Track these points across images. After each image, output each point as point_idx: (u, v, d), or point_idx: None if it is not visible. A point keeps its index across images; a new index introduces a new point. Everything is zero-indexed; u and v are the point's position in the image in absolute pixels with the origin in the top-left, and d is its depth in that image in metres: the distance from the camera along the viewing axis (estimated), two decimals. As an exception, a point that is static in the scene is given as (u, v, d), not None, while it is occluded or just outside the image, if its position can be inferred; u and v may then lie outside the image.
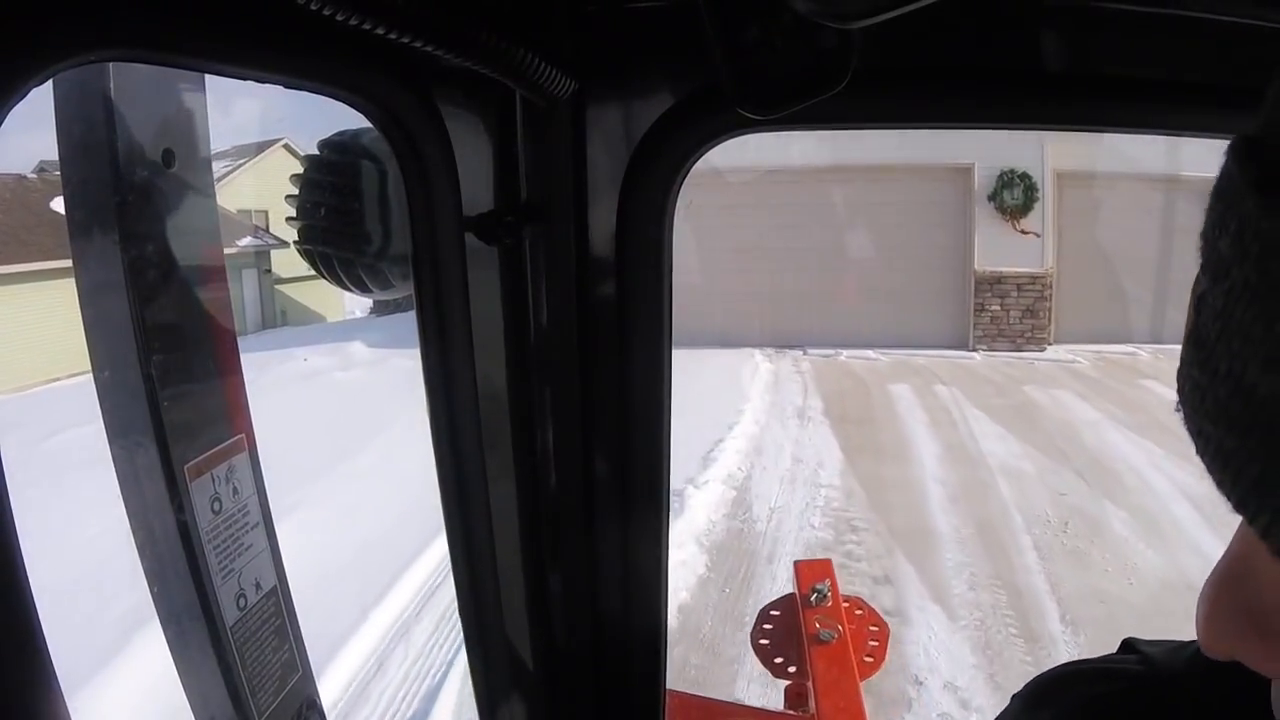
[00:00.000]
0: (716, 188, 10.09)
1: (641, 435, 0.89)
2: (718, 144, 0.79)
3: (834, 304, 11.97)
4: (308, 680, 0.85)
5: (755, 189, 10.95)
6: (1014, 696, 0.56)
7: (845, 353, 11.71)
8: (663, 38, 0.77)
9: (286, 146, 19.01)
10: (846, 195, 11.77)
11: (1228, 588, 0.29)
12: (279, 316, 19.26)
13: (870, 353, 11.66)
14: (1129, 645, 0.54)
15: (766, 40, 0.61)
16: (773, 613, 2.40)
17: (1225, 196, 0.28)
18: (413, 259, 0.77)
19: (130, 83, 0.62)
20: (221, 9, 0.50)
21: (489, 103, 0.80)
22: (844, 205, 11.87)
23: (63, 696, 0.42)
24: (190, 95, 0.68)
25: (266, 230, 17.60)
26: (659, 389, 0.88)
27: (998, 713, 0.57)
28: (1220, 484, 0.26)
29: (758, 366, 10.97)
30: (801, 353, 11.94)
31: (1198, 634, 0.30)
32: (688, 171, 0.81)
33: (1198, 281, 0.28)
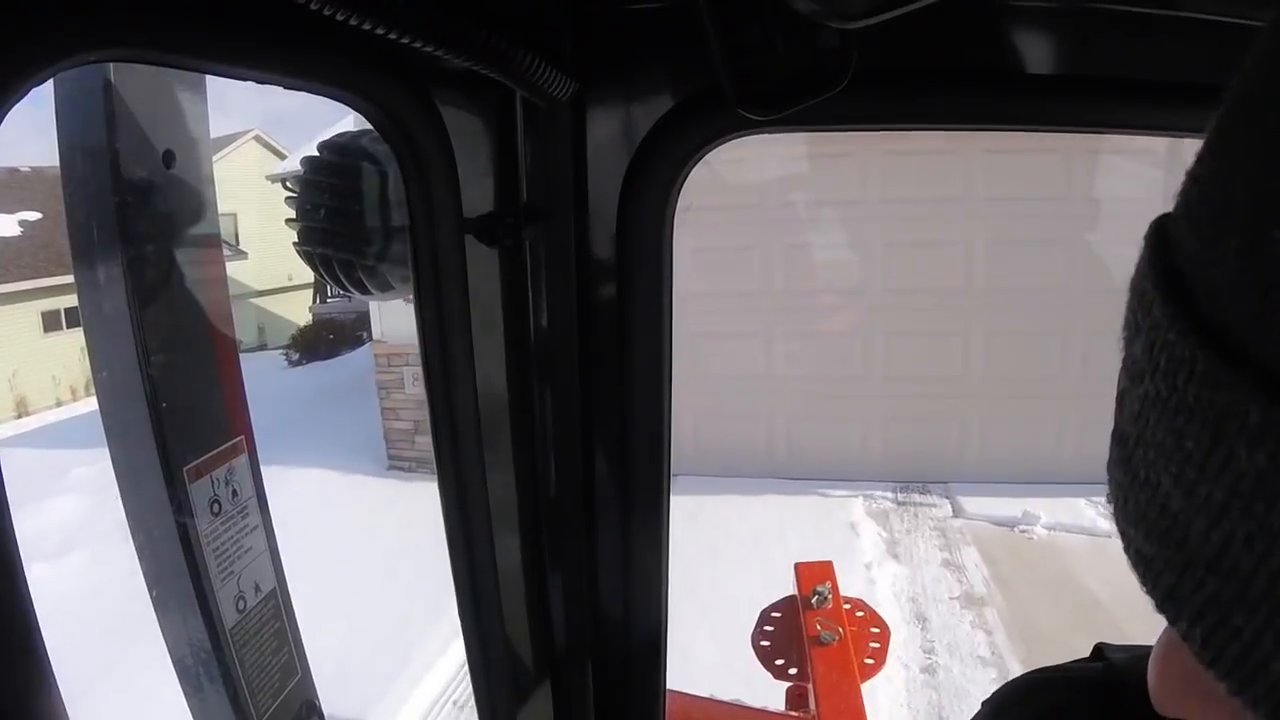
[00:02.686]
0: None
1: (641, 435, 0.89)
2: (719, 144, 0.79)
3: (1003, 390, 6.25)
4: (307, 683, 0.85)
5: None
6: (983, 703, 0.56)
7: (1039, 515, 5.56)
8: (663, 38, 0.77)
9: (258, 138, 16.71)
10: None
11: (1171, 653, 0.28)
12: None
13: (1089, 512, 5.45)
14: (1099, 651, 0.54)
15: (767, 41, 0.61)
16: (774, 614, 2.40)
17: (1138, 292, 0.27)
18: (413, 260, 0.77)
19: (130, 83, 0.62)
20: (221, 9, 0.50)
21: (489, 103, 0.80)
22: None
23: (61, 697, 0.42)
24: (190, 95, 0.68)
25: (234, 243, 13.90)
26: (659, 389, 0.88)
27: None
28: (1141, 584, 0.26)
29: (865, 561, 5.16)
30: (947, 509, 5.94)
31: (1150, 695, 0.30)
32: (689, 172, 0.81)
33: (1120, 376, 0.27)
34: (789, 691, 2.37)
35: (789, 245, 6.57)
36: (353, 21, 0.47)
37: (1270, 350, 0.21)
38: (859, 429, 6.69)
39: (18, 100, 0.40)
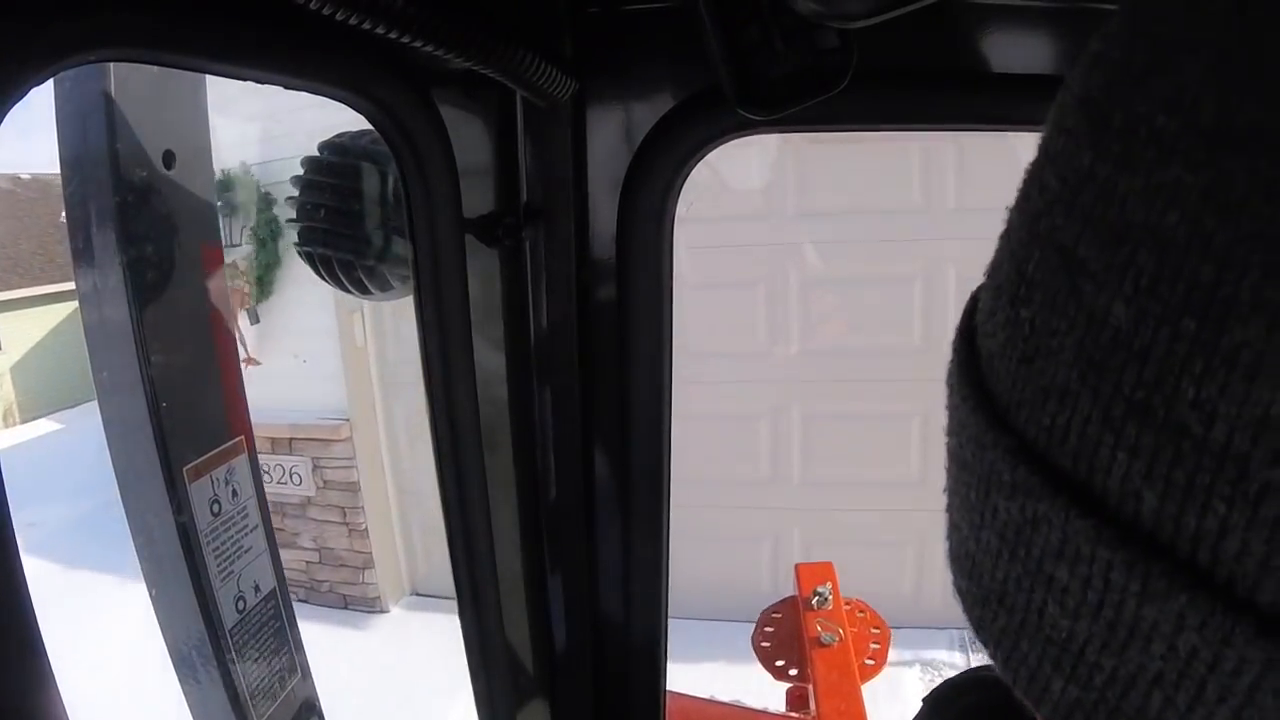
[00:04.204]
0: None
1: (641, 435, 0.89)
2: (719, 144, 0.79)
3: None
4: (307, 683, 0.85)
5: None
6: (923, 700, 0.57)
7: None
8: (663, 38, 0.77)
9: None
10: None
11: None
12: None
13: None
14: None
15: (767, 41, 0.61)
16: (774, 615, 2.40)
17: (953, 349, 0.28)
18: (413, 260, 0.77)
19: (130, 83, 0.62)
20: (221, 9, 0.50)
21: (489, 103, 0.80)
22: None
23: (61, 697, 0.42)
24: (190, 95, 0.68)
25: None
26: (659, 389, 0.88)
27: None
28: (963, 612, 0.28)
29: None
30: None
31: None
32: (688, 172, 0.81)
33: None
34: (789, 693, 2.37)
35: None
36: (353, 21, 0.47)
37: (1022, 415, 0.23)
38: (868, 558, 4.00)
39: (18, 100, 0.40)
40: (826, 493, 4.21)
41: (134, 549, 0.72)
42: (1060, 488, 0.22)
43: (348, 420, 4.52)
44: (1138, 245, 0.19)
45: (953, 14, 0.71)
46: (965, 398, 0.26)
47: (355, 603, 4.76)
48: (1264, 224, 0.17)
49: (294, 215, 0.87)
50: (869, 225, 3.89)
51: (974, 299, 0.29)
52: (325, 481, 4.57)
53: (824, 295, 4.08)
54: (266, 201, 4.36)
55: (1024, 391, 0.23)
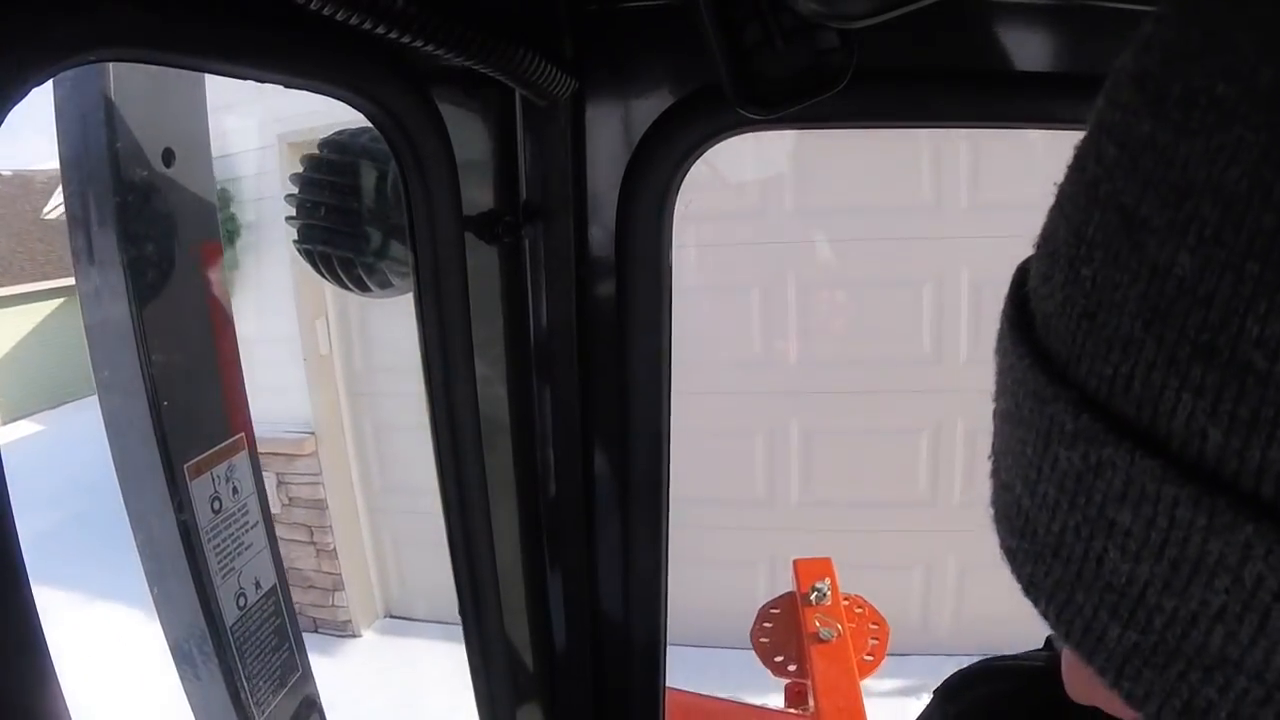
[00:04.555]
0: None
1: (641, 435, 0.89)
2: (718, 143, 0.79)
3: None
4: (307, 680, 0.85)
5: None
6: (934, 691, 0.58)
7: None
8: (663, 38, 0.77)
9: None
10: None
11: None
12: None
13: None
14: (1049, 641, 0.56)
15: (767, 40, 0.61)
16: (773, 611, 2.40)
17: (1002, 320, 0.30)
18: (412, 259, 0.77)
19: (130, 83, 0.62)
20: (221, 9, 0.50)
21: (489, 103, 0.80)
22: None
23: (63, 696, 0.42)
24: (190, 95, 0.68)
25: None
26: (659, 389, 0.88)
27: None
28: (1012, 576, 0.29)
29: None
30: None
31: (1066, 687, 0.33)
32: (687, 171, 0.81)
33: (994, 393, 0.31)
34: (788, 688, 2.37)
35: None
36: (353, 21, 0.47)
37: (1083, 369, 0.25)
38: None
39: (18, 100, 0.40)
40: (827, 514, 3.83)
41: (135, 547, 0.73)
42: (1125, 433, 0.23)
43: (313, 434, 4.17)
44: (1200, 199, 0.21)
45: (953, 13, 0.71)
46: (1022, 356, 0.27)
47: (325, 626, 4.48)
48: None
49: (294, 213, 0.87)
50: (875, 223, 3.53)
51: (1022, 269, 0.31)
52: (290, 499, 4.22)
53: (825, 300, 3.71)
54: (223, 199, 3.97)
55: (1085, 345, 0.25)
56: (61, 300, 9.89)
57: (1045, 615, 0.27)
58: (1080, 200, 0.26)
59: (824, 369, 3.73)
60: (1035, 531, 0.27)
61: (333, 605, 4.44)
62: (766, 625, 2.38)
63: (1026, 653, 0.57)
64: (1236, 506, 0.20)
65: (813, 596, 2.28)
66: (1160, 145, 0.23)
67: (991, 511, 0.30)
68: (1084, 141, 0.27)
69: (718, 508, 3.85)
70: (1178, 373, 0.21)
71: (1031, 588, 0.28)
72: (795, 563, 2.48)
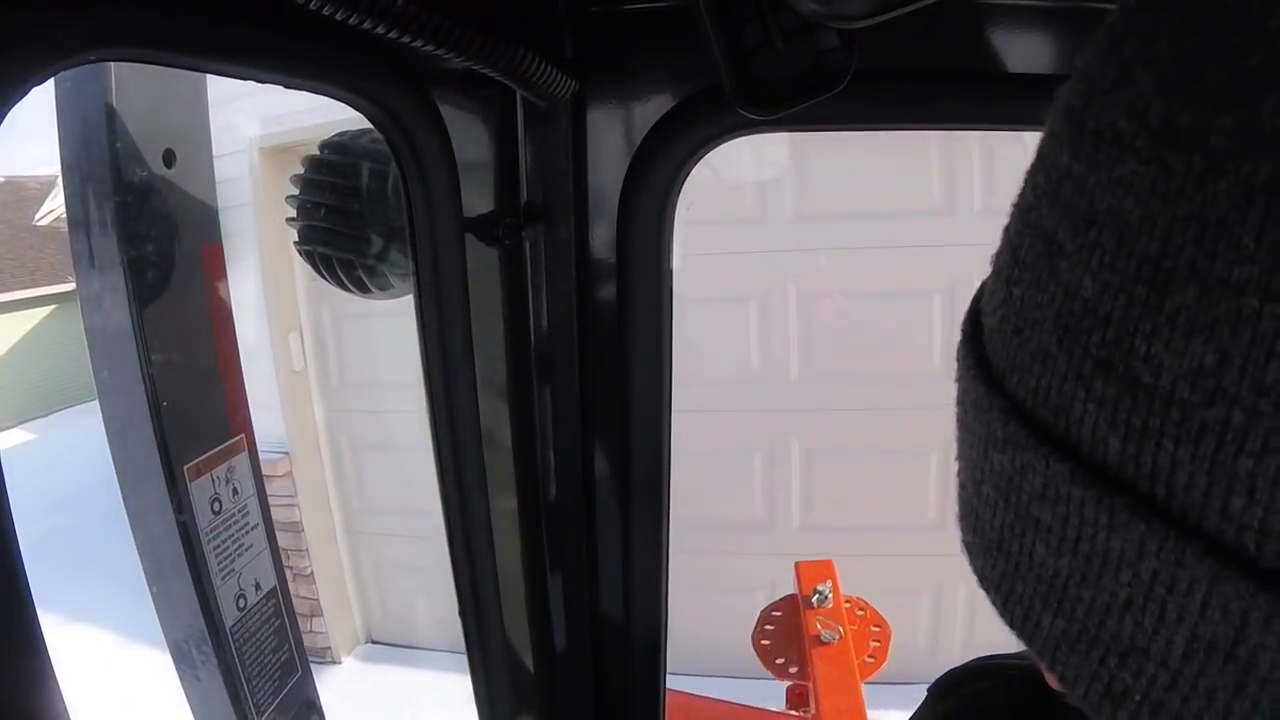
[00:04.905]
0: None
1: (641, 435, 0.89)
2: (718, 144, 0.79)
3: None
4: (307, 681, 0.85)
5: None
6: (928, 690, 0.59)
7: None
8: (663, 38, 0.77)
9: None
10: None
11: None
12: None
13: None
14: None
15: (767, 41, 0.61)
16: (774, 614, 2.40)
17: (962, 328, 0.32)
18: (413, 260, 0.77)
19: (130, 83, 0.62)
20: (221, 9, 0.50)
21: (489, 103, 0.80)
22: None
23: (63, 696, 0.42)
24: (190, 95, 0.68)
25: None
26: (659, 389, 0.88)
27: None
28: (969, 565, 0.31)
29: None
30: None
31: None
32: (688, 172, 0.81)
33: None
34: (789, 690, 2.37)
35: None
36: (353, 21, 0.47)
37: (1014, 380, 0.27)
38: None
39: (18, 100, 0.40)
40: (830, 538, 3.54)
41: (135, 546, 0.73)
42: (1044, 440, 0.25)
43: (287, 454, 3.94)
44: (1102, 228, 0.23)
45: (953, 14, 0.71)
46: (969, 368, 0.29)
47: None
48: (1196, 207, 0.21)
49: (294, 213, 0.87)
50: (881, 230, 3.29)
51: (983, 285, 0.32)
52: (264, 522, 4.08)
53: (828, 311, 3.45)
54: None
55: (1015, 359, 0.27)
56: (53, 307, 9.87)
57: (994, 604, 0.29)
58: (1017, 223, 0.28)
59: (826, 384, 3.49)
60: (983, 527, 0.29)
61: (311, 631, 4.23)
62: (768, 628, 2.38)
63: (1016, 652, 0.57)
64: (1133, 507, 0.22)
65: (814, 599, 2.28)
66: (1075, 176, 0.24)
67: (958, 512, 0.32)
68: (1028, 169, 0.29)
69: (713, 532, 3.59)
70: (1084, 385, 0.23)
71: (983, 579, 0.30)
72: (797, 565, 2.48)
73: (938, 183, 3.28)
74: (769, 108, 0.63)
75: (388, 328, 3.64)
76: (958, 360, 0.31)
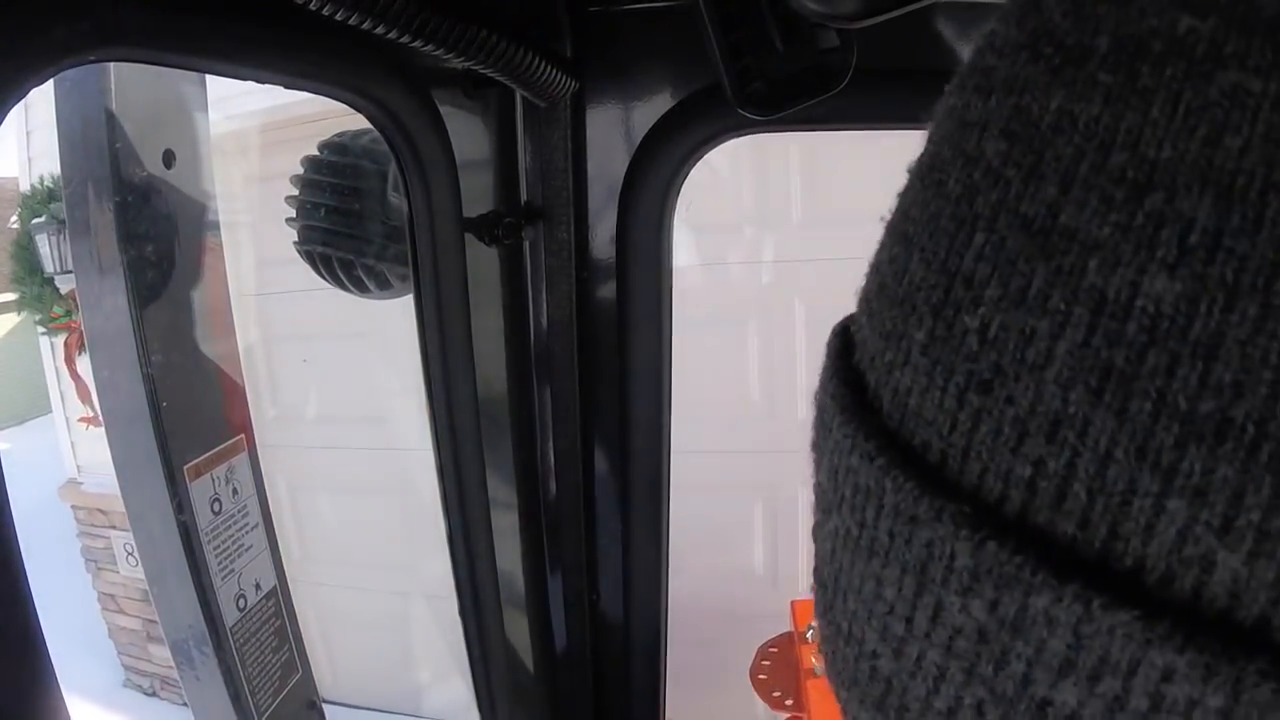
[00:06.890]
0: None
1: (641, 435, 0.89)
2: (718, 144, 0.79)
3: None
4: (307, 681, 0.85)
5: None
6: None
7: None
8: (663, 38, 0.77)
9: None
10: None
11: None
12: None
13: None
14: None
15: (767, 41, 0.61)
16: (771, 649, 2.46)
17: (819, 409, 0.23)
18: (413, 259, 0.77)
19: (130, 83, 0.63)
20: (222, 9, 0.50)
21: (489, 103, 0.80)
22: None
23: (63, 696, 0.42)
24: (190, 95, 0.68)
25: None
26: (659, 389, 0.88)
27: None
28: None
29: None
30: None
31: None
32: (688, 172, 0.81)
33: (813, 506, 0.23)
34: (786, 723, 2.42)
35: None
36: (353, 21, 0.47)
37: (974, 467, 0.16)
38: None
39: (18, 100, 0.40)
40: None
41: (135, 546, 0.73)
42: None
43: None
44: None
45: (953, 14, 0.71)
46: (868, 457, 0.24)
47: (248, 715, 3.83)
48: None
49: (293, 214, 0.87)
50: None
51: (844, 335, 0.28)
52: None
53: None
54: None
55: (977, 429, 0.23)
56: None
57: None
58: (944, 222, 0.26)
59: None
60: (906, 708, 0.22)
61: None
62: (765, 663, 2.44)
63: None
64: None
65: (809, 634, 2.32)
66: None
67: (827, 664, 0.25)
68: (930, 147, 0.25)
69: (706, 584, 2.95)
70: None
71: None
72: (793, 604, 2.52)
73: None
74: (768, 108, 0.63)
75: (327, 354, 2.99)
76: (827, 449, 0.23)
